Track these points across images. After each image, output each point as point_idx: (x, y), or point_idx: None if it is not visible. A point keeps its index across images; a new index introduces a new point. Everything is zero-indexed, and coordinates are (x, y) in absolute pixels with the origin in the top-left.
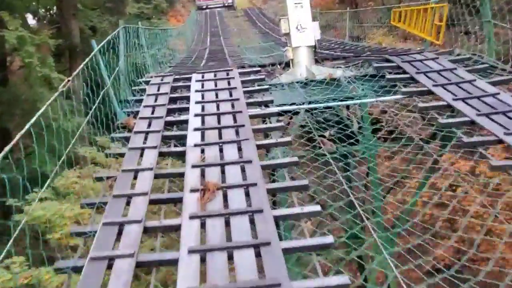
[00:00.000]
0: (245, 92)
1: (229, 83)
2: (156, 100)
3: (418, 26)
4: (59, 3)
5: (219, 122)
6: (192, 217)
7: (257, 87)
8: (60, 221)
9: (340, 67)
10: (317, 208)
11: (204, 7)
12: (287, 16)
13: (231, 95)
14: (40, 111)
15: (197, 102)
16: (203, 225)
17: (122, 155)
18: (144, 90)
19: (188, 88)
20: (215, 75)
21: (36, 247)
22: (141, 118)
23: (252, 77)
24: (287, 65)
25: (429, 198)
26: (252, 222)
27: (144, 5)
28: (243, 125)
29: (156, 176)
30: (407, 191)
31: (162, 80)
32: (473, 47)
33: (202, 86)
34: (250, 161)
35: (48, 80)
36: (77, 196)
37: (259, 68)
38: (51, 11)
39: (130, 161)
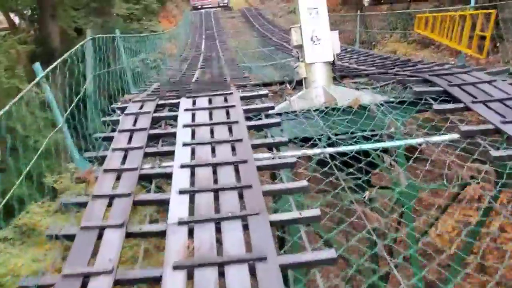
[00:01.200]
0: (249, 127)
1: (228, 114)
2: (130, 139)
3: (452, 36)
4: (39, 2)
5: (216, 181)
6: None
7: (265, 121)
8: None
9: (366, 89)
10: (317, 212)
11: (199, 7)
12: (299, 24)
13: (231, 131)
14: None
15: (185, 144)
16: None
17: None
18: (118, 122)
19: (175, 119)
20: (210, 101)
21: None
22: (106, 170)
23: (257, 104)
24: (299, 83)
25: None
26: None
27: (133, 6)
28: (250, 186)
29: None
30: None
31: (141, 107)
32: None
33: (193, 118)
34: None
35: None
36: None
37: (266, 92)
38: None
39: (82, 254)
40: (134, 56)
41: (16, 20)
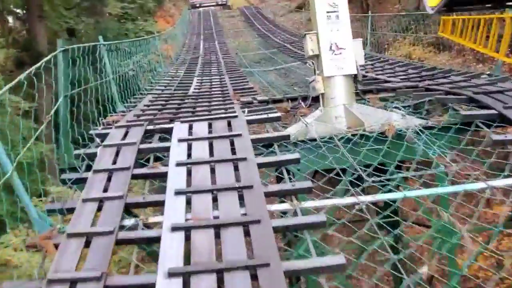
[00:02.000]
0: (261, 165)
1: (232, 145)
2: (109, 180)
3: (486, 42)
4: (27, 2)
5: (219, 255)
6: None
7: (281, 158)
8: None
9: (398, 108)
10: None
11: (198, 5)
12: (315, 30)
13: (237, 170)
14: None
15: (178, 193)
16: None
17: None
18: (95, 156)
19: (166, 150)
20: (210, 126)
21: None
22: (70, 236)
23: (269, 132)
24: (315, 99)
25: None
26: None
27: (128, 5)
28: (267, 264)
29: None
30: None
31: (126, 135)
32: None
33: (189, 151)
34: None
35: None
36: None
37: (277, 114)
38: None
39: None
40: (128, 59)
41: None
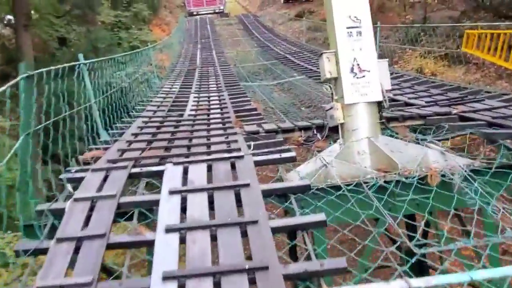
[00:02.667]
0: (275, 230)
1: (239, 200)
2: (77, 251)
3: None
4: (15, 9)
5: None
6: None
7: (303, 220)
8: None
9: (432, 143)
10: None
11: (195, 13)
12: (334, 49)
13: (245, 237)
14: None
15: (166, 278)
16: None
17: None
18: (63, 212)
19: (154, 204)
20: (209, 168)
21: None
22: None
23: (284, 176)
24: (332, 129)
25: None
26: None
27: (122, 13)
28: None
29: None
30: None
31: (105, 180)
32: None
33: (183, 205)
34: None
35: None
36: None
37: (292, 154)
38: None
39: None
40: (116, 77)
41: None
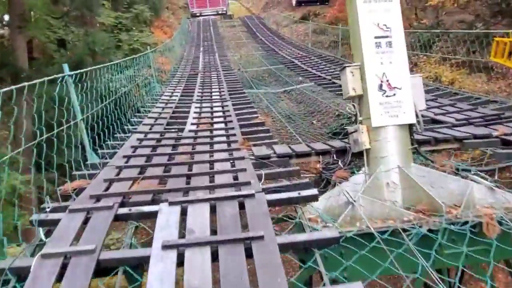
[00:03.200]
0: None
1: (249, 253)
2: None
3: None
4: (10, 9)
5: None
6: None
7: None
8: None
9: (477, 174)
10: None
11: (198, 14)
12: (358, 62)
13: None
14: None
15: None
16: None
17: None
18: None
19: (144, 261)
20: (213, 209)
21: None
22: None
23: (301, 218)
24: (356, 154)
25: None
26: None
27: (122, 14)
28: None
29: None
30: None
31: (85, 223)
32: None
33: (180, 260)
34: None
35: None
36: None
37: (314, 192)
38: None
39: None
40: (112, 81)
41: None
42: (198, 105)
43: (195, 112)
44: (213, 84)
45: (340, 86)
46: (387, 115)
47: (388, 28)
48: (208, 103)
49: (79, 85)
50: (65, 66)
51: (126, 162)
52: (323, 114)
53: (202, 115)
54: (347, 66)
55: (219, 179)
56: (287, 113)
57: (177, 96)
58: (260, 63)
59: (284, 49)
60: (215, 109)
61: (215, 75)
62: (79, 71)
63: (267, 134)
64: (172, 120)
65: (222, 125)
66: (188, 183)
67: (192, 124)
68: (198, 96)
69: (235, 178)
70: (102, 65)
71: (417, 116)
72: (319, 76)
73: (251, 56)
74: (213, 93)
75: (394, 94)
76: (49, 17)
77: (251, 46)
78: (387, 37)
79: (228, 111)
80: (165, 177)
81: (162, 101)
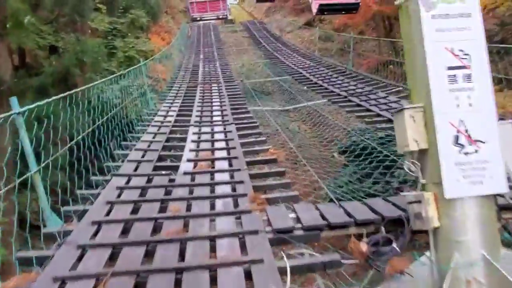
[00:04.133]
0: None
1: None
2: None
3: None
4: None
5: None
6: None
7: None
8: None
9: None
10: None
11: (198, 19)
12: (421, 103)
13: None
14: None
15: None
16: None
17: None
18: None
19: None
20: None
21: None
22: None
23: None
24: (417, 232)
25: None
26: None
27: (118, 20)
28: None
29: None
30: None
31: None
32: None
33: None
34: None
35: None
36: None
37: None
38: None
39: None
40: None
41: None
42: (197, 130)
43: (192, 141)
44: (213, 100)
45: (359, 106)
46: (467, 181)
47: (466, 55)
48: (208, 127)
49: (36, 123)
50: (14, 100)
51: (96, 231)
52: (343, 141)
53: (201, 145)
54: (406, 109)
55: (221, 277)
56: (301, 141)
57: (172, 116)
58: (263, 73)
59: (290, 58)
60: (216, 136)
61: (216, 88)
62: (35, 104)
63: (283, 181)
64: (165, 152)
65: (226, 165)
66: (177, 277)
67: (188, 160)
68: (197, 116)
69: (248, 274)
70: (82, 88)
71: (509, 180)
72: (332, 91)
73: (254, 65)
74: (213, 112)
75: (476, 151)
76: (38, 23)
77: (253, 53)
78: (464, 67)
79: (233, 139)
80: (145, 273)
81: (155, 125)
